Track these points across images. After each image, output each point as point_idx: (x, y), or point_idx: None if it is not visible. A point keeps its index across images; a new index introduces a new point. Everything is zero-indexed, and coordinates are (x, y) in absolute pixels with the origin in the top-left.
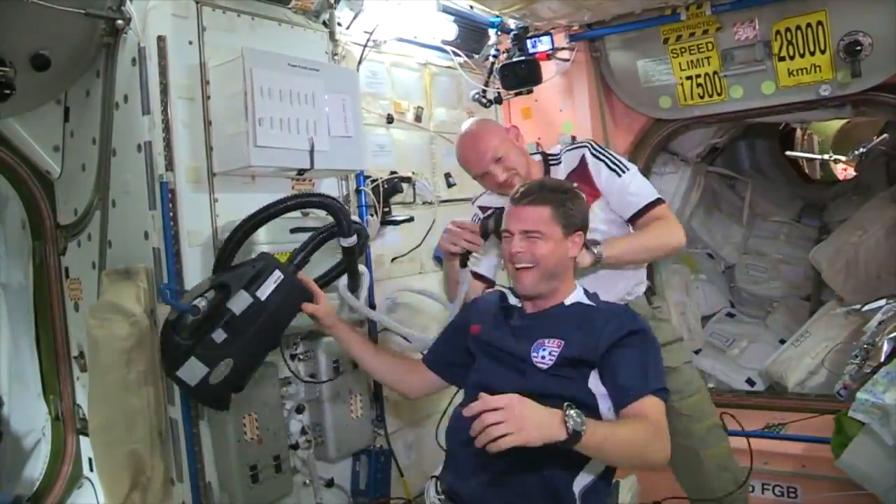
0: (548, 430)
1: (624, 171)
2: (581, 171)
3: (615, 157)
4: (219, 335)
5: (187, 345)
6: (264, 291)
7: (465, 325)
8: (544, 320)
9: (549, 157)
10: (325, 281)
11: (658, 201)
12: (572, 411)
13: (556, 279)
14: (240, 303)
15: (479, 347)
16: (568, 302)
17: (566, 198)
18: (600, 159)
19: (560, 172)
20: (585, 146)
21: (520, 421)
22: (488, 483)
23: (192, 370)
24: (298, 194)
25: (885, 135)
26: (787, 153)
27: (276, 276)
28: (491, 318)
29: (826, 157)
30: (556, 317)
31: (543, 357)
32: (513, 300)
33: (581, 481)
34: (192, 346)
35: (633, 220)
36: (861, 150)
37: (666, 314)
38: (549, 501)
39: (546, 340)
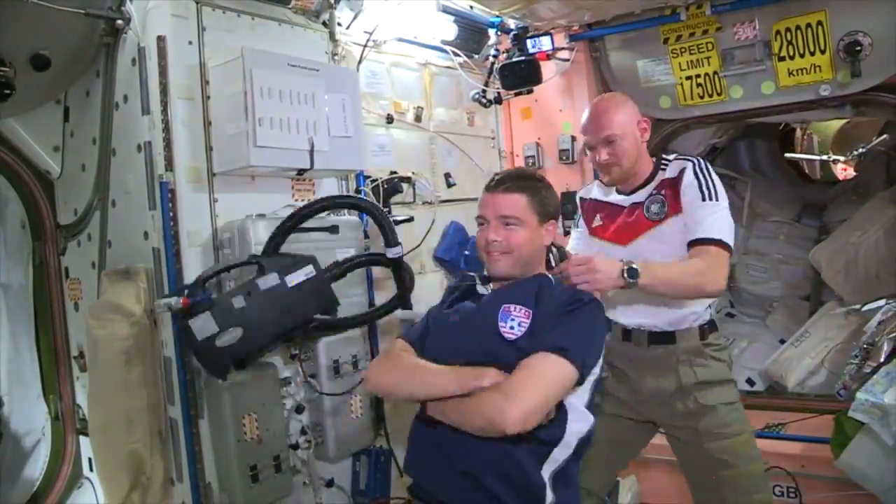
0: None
1: (711, 199)
2: (675, 181)
3: (713, 183)
4: (238, 301)
5: (207, 298)
6: (293, 279)
7: (438, 305)
8: (509, 288)
9: (663, 160)
10: (388, 310)
11: (720, 242)
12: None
13: (528, 266)
14: (268, 281)
15: (440, 316)
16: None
17: (541, 186)
18: (697, 177)
19: (665, 176)
20: (692, 161)
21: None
22: (455, 473)
23: (204, 324)
24: (346, 196)
25: (884, 135)
26: (787, 155)
27: (308, 270)
28: (458, 294)
29: (825, 157)
30: (520, 287)
31: (512, 328)
32: (481, 289)
33: (550, 466)
34: (211, 302)
35: (689, 247)
36: (860, 149)
37: (720, 354)
38: (518, 487)
39: (513, 308)
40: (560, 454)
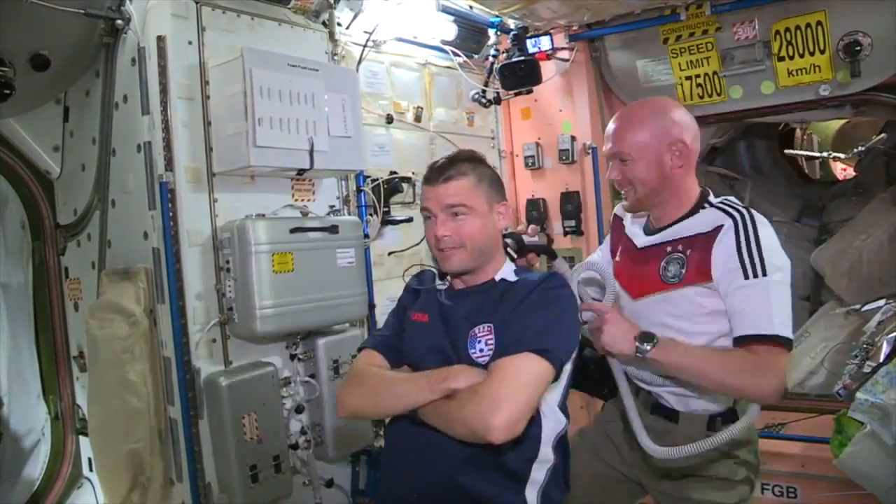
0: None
1: (756, 275)
2: (707, 241)
3: (758, 247)
4: None
5: None
6: None
7: (404, 308)
8: (473, 299)
9: (705, 201)
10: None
11: (777, 340)
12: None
13: (484, 256)
14: None
15: (416, 335)
16: (498, 278)
17: (483, 166)
18: (739, 244)
19: (695, 229)
20: (734, 217)
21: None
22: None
23: None
24: None
25: (883, 134)
26: (787, 151)
27: None
28: (427, 305)
29: (825, 155)
30: (484, 295)
31: (482, 350)
32: (439, 283)
33: (533, 488)
34: None
35: (734, 344)
36: (860, 148)
37: (735, 452)
38: None
39: (478, 329)
40: (539, 472)
